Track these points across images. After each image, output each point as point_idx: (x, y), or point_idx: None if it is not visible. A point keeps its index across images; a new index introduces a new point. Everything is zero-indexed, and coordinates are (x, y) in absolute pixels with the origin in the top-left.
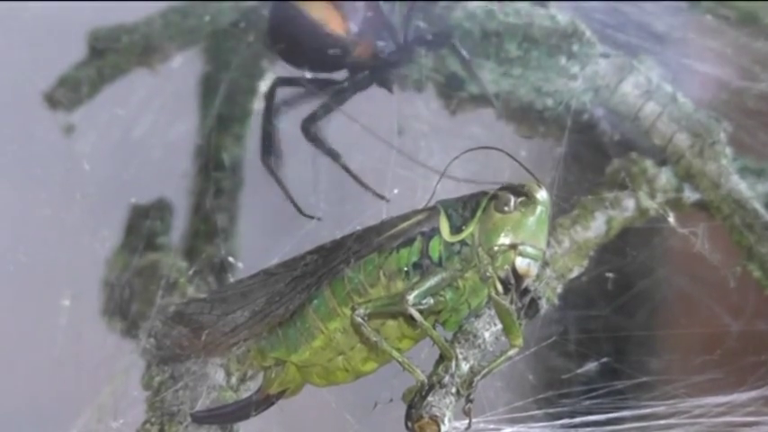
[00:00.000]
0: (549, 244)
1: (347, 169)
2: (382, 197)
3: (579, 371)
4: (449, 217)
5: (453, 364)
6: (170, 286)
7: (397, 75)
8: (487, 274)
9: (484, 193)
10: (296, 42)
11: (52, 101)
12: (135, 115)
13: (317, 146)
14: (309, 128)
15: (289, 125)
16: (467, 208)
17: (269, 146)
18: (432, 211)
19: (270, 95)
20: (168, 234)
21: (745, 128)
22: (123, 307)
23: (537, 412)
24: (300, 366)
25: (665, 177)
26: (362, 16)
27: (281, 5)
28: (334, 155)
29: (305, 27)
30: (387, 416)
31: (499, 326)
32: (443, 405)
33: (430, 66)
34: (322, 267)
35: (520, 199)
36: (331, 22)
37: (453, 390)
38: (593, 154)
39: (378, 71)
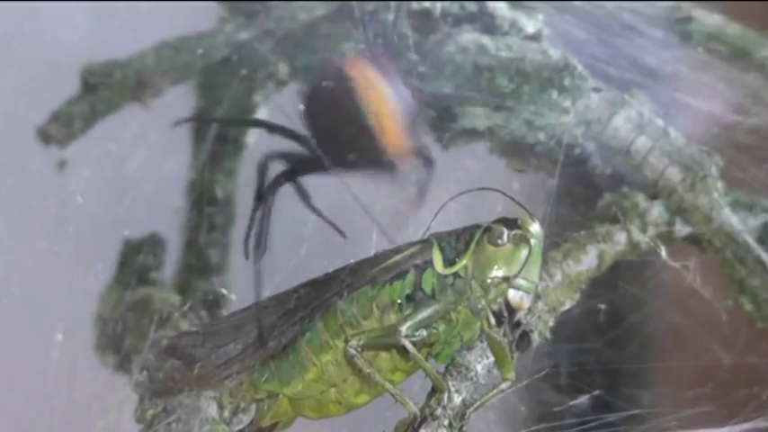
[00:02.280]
0: (541, 277)
1: (313, 208)
2: (342, 233)
3: (571, 404)
4: (442, 250)
5: (446, 396)
6: (163, 320)
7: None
8: (479, 306)
9: (477, 226)
10: (336, 136)
11: (45, 136)
12: (128, 150)
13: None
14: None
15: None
16: (460, 241)
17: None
18: (425, 244)
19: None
20: (161, 269)
21: (736, 162)
22: (116, 341)
23: None
24: (293, 399)
25: (656, 211)
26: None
27: (338, 91)
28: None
29: (355, 126)
30: None
31: (491, 359)
32: None
33: (423, 99)
34: (315, 300)
35: (513, 232)
36: (388, 132)
37: (446, 422)
38: (584, 188)
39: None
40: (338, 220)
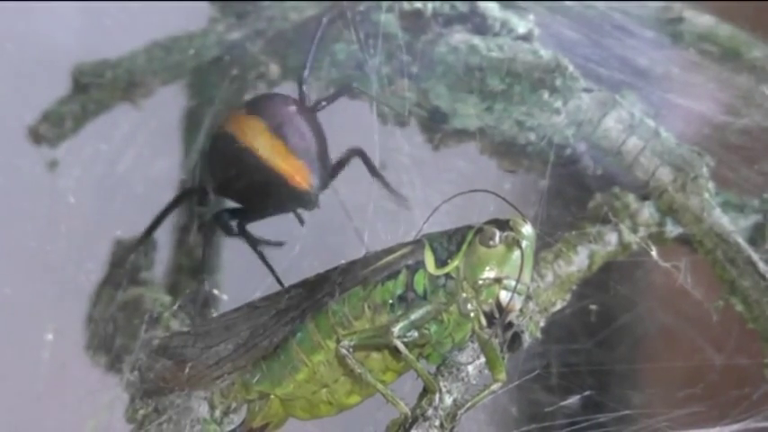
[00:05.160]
0: (532, 278)
1: (264, 259)
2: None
3: (562, 404)
4: (434, 250)
5: (437, 397)
6: (154, 320)
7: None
8: (469, 307)
9: (469, 227)
10: (247, 191)
11: (36, 136)
12: (119, 150)
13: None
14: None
15: None
16: (452, 241)
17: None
18: (417, 245)
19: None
20: (152, 268)
21: (727, 162)
22: (107, 341)
23: None
24: (284, 399)
25: (647, 212)
26: (325, 168)
27: (227, 145)
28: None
29: (263, 177)
30: None
31: (483, 359)
32: None
33: (413, 100)
34: (306, 300)
35: (505, 233)
36: (296, 176)
37: (437, 423)
38: (575, 188)
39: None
40: (330, 222)
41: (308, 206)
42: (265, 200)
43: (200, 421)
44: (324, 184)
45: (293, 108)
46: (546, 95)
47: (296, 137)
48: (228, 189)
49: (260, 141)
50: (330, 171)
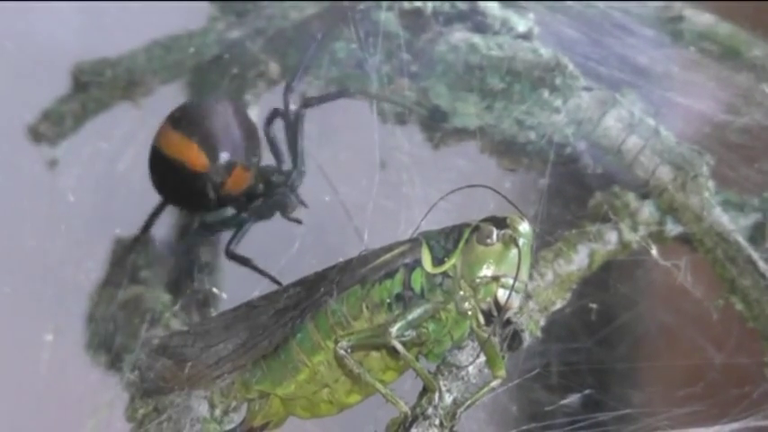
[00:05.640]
0: (531, 277)
1: (260, 271)
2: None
3: (562, 403)
4: (431, 248)
5: (436, 395)
6: (154, 320)
7: (296, 199)
8: (467, 305)
9: (466, 225)
10: (166, 186)
11: (36, 134)
12: (119, 149)
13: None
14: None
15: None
16: (449, 240)
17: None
18: (414, 243)
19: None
20: (152, 267)
21: (727, 161)
22: (107, 340)
23: None
24: (284, 399)
25: (647, 210)
26: (228, 144)
27: (151, 150)
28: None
29: (165, 169)
30: None
31: (482, 358)
32: None
33: (413, 98)
34: (305, 300)
35: (502, 231)
36: (192, 159)
37: (437, 421)
38: (575, 187)
39: (275, 198)
40: (329, 221)
41: (219, 186)
42: (183, 193)
43: (200, 420)
44: (233, 162)
45: (201, 104)
46: (546, 94)
47: (195, 126)
48: (166, 196)
49: (164, 138)
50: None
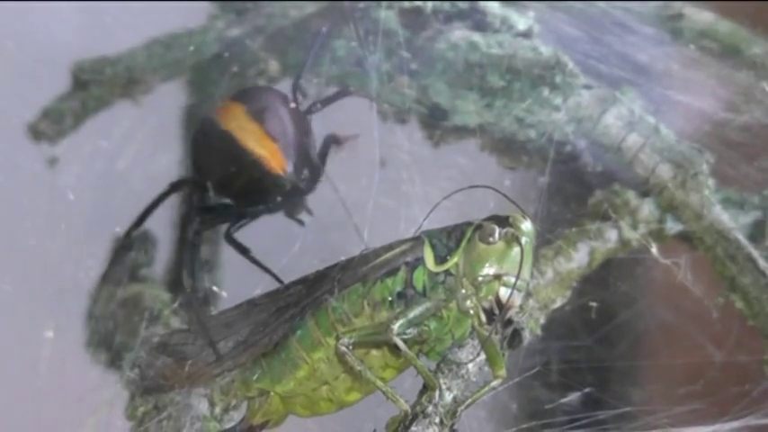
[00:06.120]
0: (532, 275)
1: (257, 263)
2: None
3: (562, 401)
4: (433, 247)
5: (437, 393)
6: (154, 318)
7: (305, 204)
8: (469, 304)
9: (468, 224)
10: (226, 175)
11: (36, 133)
12: (119, 147)
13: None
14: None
15: None
16: (451, 238)
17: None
18: (416, 241)
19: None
20: (152, 266)
21: (727, 159)
22: (107, 338)
23: None
24: (284, 396)
25: (647, 208)
26: (302, 155)
27: (209, 129)
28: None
29: (239, 158)
30: None
31: (483, 356)
32: None
33: (413, 97)
34: (306, 297)
35: (504, 230)
36: (272, 160)
37: (437, 419)
38: (575, 185)
39: (289, 200)
40: (330, 219)
41: (281, 192)
42: (240, 184)
43: (200, 418)
44: (300, 176)
45: (277, 98)
46: (546, 92)
47: (274, 123)
48: (209, 174)
49: (238, 124)
50: (315, 167)
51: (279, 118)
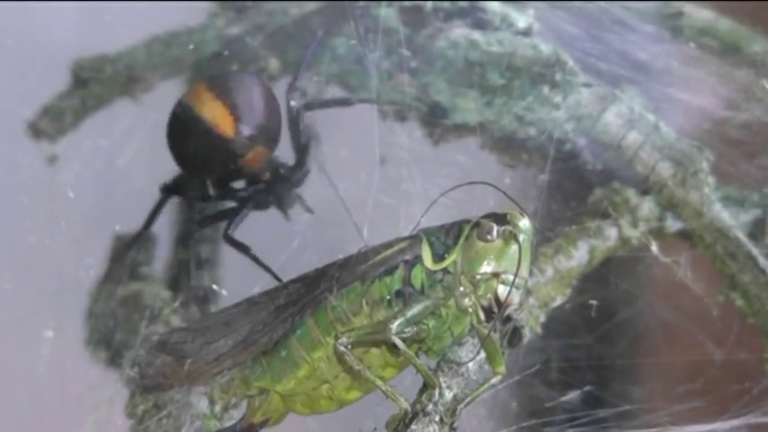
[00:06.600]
0: (531, 273)
1: (257, 261)
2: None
3: (562, 399)
4: (431, 245)
5: (437, 392)
6: (154, 316)
7: (296, 196)
8: (467, 302)
9: (467, 222)
10: (187, 145)
11: (36, 131)
12: (119, 145)
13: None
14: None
15: None
16: (449, 236)
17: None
18: (414, 239)
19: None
20: (152, 264)
21: (727, 157)
22: (107, 336)
23: None
24: (284, 395)
25: (647, 206)
26: (259, 121)
27: (178, 104)
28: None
29: (194, 127)
30: None
31: (482, 354)
32: None
33: (413, 95)
34: (305, 296)
35: (502, 228)
36: (221, 123)
37: (437, 418)
38: (575, 183)
39: (276, 190)
40: (327, 216)
41: (238, 157)
42: (199, 153)
43: (200, 417)
44: (256, 142)
45: (242, 77)
46: (546, 90)
47: (231, 93)
48: (178, 155)
49: (196, 96)
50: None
51: (237, 90)
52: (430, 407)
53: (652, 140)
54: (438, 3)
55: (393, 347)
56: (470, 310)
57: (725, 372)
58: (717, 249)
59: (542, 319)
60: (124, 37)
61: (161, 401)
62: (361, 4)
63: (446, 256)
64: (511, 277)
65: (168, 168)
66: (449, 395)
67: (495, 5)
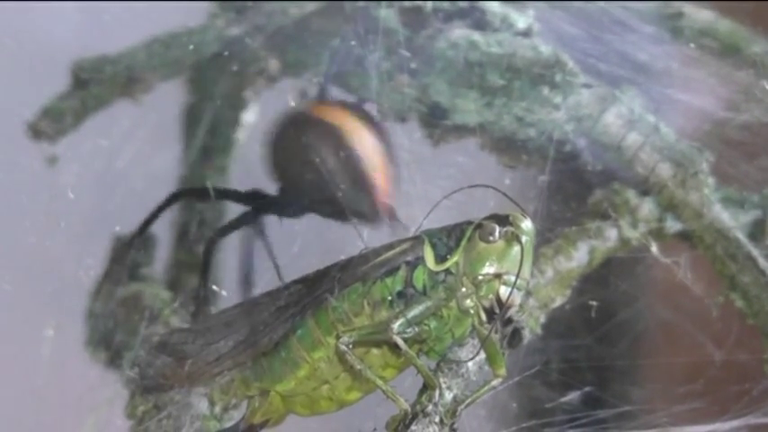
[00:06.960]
0: (532, 274)
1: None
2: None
3: (562, 400)
4: (433, 246)
5: (437, 393)
6: (153, 317)
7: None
8: (469, 303)
9: (468, 223)
10: (322, 185)
11: (36, 131)
12: (118, 146)
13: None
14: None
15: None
16: (451, 237)
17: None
18: (416, 241)
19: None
20: (152, 265)
21: (727, 158)
22: (107, 337)
23: None
24: (284, 395)
25: (647, 207)
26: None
27: (321, 131)
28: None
29: (352, 175)
30: None
31: (483, 355)
32: None
33: (413, 96)
34: (306, 296)
35: (504, 229)
36: (376, 188)
37: (437, 419)
38: (575, 184)
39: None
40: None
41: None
42: (335, 199)
43: (200, 417)
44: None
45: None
46: (546, 91)
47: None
48: (299, 177)
49: (359, 139)
50: None
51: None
52: (430, 408)
53: (652, 141)
54: (438, 3)
55: (394, 347)
56: (472, 311)
57: (725, 372)
58: (717, 250)
59: (542, 319)
60: (124, 38)
61: (161, 402)
62: (361, 4)
63: (448, 257)
64: (513, 278)
65: (168, 168)
66: (449, 396)
67: (495, 6)
